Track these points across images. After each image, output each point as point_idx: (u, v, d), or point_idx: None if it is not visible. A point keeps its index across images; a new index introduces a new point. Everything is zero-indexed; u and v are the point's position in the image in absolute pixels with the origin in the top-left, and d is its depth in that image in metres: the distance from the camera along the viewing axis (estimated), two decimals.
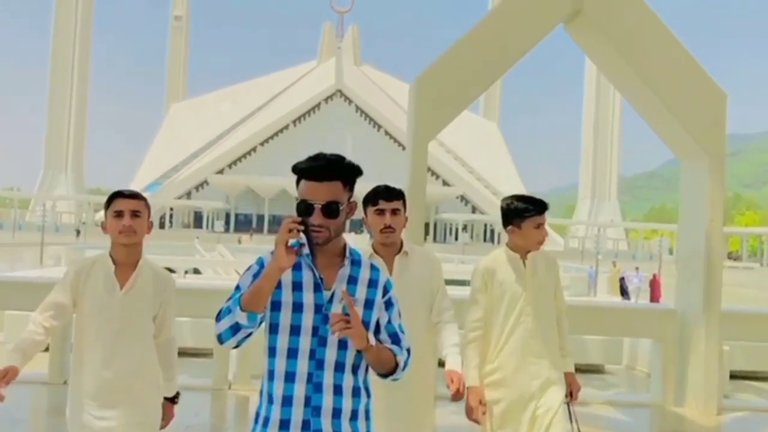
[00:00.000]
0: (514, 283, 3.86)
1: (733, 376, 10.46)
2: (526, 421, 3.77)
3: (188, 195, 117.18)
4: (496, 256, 3.99)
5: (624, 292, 28.88)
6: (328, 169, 2.35)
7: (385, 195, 3.66)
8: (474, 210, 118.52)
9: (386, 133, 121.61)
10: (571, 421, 3.89)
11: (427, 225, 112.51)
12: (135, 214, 3.34)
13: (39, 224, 62.59)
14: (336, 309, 2.35)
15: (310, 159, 2.39)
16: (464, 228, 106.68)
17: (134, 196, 3.44)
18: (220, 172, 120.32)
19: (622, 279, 29.66)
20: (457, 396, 3.56)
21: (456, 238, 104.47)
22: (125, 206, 3.35)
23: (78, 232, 79.08)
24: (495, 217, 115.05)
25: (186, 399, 6.72)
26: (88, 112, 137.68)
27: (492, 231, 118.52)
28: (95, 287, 3.31)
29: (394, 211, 3.66)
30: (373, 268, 2.51)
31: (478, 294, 3.89)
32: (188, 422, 6.37)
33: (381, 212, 3.64)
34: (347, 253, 2.45)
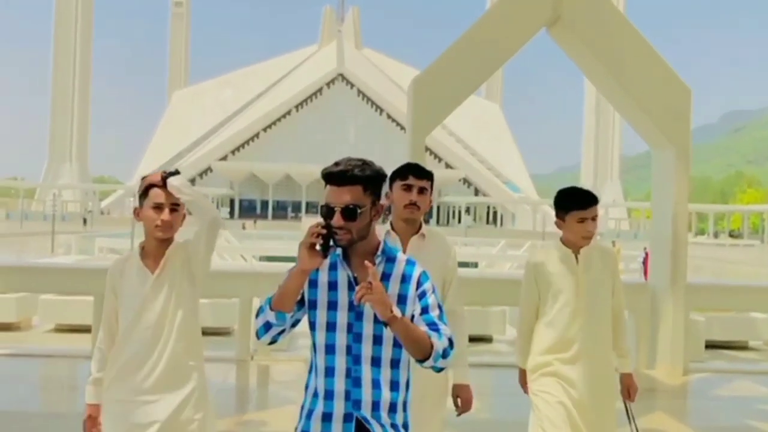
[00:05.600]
0: (565, 278, 3.74)
1: (711, 345, 11.36)
2: (576, 418, 3.65)
3: (192, 182, 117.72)
4: (548, 250, 3.88)
5: None
6: (346, 174, 2.40)
7: (416, 171, 3.61)
8: (477, 192, 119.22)
9: (388, 116, 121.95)
10: (629, 422, 3.89)
11: (430, 208, 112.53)
12: (174, 208, 3.16)
13: (45, 214, 62.76)
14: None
15: (334, 164, 2.45)
16: (467, 210, 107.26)
17: None
18: (224, 158, 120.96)
19: None
20: (461, 413, 3.63)
21: (459, 221, 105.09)
22: (166, 199, 3.15)
23: (85, 221, 79.94)
24: (497, 199, 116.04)
25: (213, 368, 7.71)
26: (91, 102, 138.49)
27: (495, 213, 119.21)
28: (130, 282, 3.18)
29: (421, 190, 3.59)
30: (408, 263, 2.52)
31: (527, 289, 3.85)
32: (218, 387, 7.26)
33: (408, 188, 3.57)
34: (379, 251, 2.50)
